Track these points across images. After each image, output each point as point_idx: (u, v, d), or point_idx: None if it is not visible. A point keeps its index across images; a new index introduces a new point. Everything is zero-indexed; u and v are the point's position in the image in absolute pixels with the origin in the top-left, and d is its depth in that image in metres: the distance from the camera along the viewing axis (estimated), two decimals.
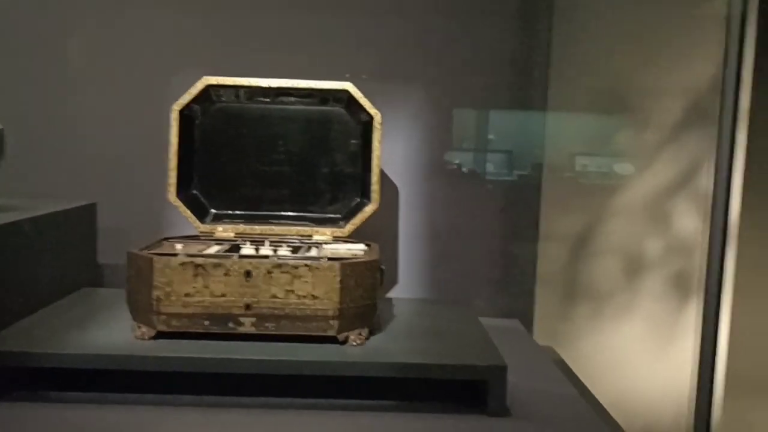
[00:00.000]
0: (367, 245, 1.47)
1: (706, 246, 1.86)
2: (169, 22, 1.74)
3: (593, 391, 1.52)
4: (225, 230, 1.54)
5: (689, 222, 1.86)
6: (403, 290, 1.80)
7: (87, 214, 1.69)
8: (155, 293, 1.22)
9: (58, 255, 1.55)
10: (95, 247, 1.72)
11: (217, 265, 1.23)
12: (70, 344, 1.21)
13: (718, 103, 1.82)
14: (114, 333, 1.28)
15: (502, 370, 1.18)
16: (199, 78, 1.54)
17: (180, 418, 1.15)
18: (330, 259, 1.29)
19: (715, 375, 1.84)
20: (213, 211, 1.60)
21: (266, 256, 1.31)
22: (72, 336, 1.26)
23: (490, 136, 1.86)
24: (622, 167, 1.86)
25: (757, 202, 1.80)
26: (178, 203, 1.53)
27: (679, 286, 1.87)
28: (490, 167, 1.85)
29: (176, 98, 1.53)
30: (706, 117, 1.84)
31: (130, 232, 1.66)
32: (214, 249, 1.40)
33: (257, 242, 1.46)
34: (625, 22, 1.82)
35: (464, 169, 1.83)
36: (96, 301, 1.52)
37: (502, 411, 1.18)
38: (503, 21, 1.78)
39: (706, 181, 1.85)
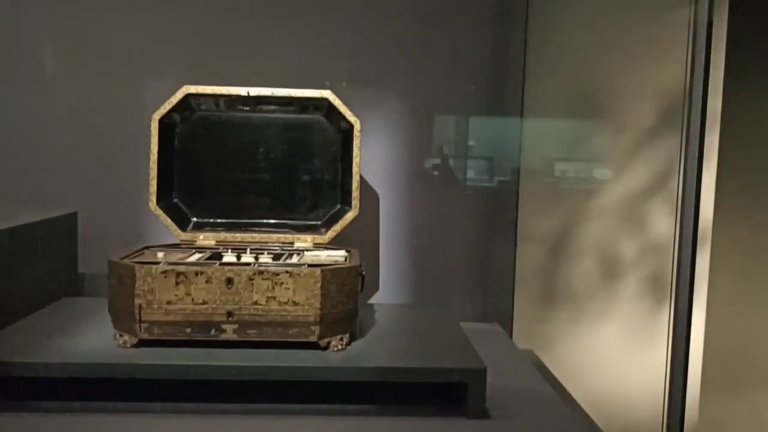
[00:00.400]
0: (347, 251, 1.49)
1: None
2: (149, 31, 1.75)
3: (572, 393, 1.54)
4: (206, 238, 1.55)
5: (664, 224, 1.89)
6: (384, 296, 1.81)
7: (68, 223, 1.69)
8: (137, 301, 1.23)
9: (38, 265, 1.55)
10: (76, 257, 1.72)
11: (198, 273, 1.24)
12: (53, 353, 1.22)
13: (686, 107, 1.87)
14: (96, 341, 1.29)
15: (482, 372, 1.20)
16: (179, 87, 1.54)
17: (163, 425, 1.15)
18: (310, 265, 1.30)
19: (688, 374, 1.88)
20: (194, 219, 1.61)
21: (247, 264, 1.32)
22: (54, 345, 1.26)
23: (470, 143, 1.88)
24: (598, 171, 1.90)
25: (729, 203, 1.84)
26: (159, 212, 1.54)
27: (655, 287, 1.90)
28: (470, 173, 1.87)
29: (156, 107, 1.53)
30: (679, 120, 1.88)
31: (110, 241, 1.67)
32: (195, 257, 1.41)
33: (238, 250, 1.47)
34: (598, 29, 1.85)
35: (444, 176, 1.85)
36: (77, 311, 1.52)
37: (482, 413, 1.20)
38: (479, 29, 1.80)
39: (680, 183, 1.89)
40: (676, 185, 1.89)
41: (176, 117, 1.58)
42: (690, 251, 1.86)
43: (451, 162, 1.87)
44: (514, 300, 1.86)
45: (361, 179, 1.64)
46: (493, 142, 1.88)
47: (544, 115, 1.87)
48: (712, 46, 1.84)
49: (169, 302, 1.24)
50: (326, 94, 1.56)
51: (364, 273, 1.36)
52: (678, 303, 1.89)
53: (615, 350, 1.91)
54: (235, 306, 1.24)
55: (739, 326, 1.89)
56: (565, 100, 1.87)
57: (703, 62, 1.85)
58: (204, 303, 1.24)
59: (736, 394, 1.90)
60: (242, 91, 1.55)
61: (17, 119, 1.74)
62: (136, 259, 1.33)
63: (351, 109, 1.56)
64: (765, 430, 1.93)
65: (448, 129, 1.87)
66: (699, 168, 1.85)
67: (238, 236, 1.56)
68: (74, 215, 1.71)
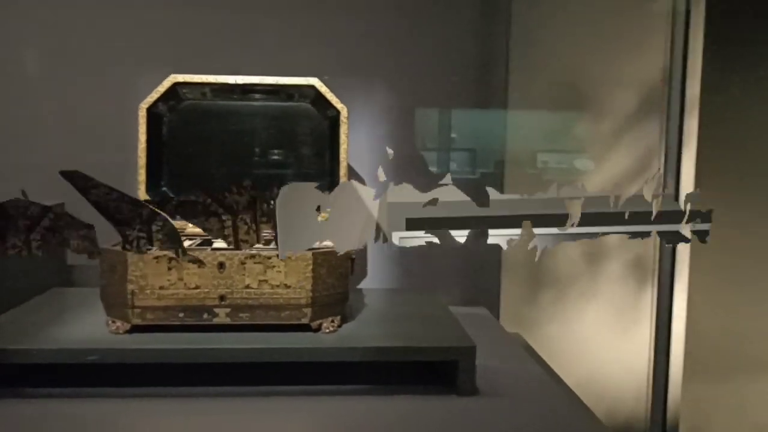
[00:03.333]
0: None
1: None
2: (136, 20, 1.74)
3: (560, 374, 1.57)
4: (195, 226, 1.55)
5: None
6: (373, 281, 1.83)
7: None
8: (130, 287, 1.24)
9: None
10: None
11: (190, 258, 1.25)
12: (46, 340, 1.22)
13: (666, 94, 1.90)
14: (88, 328, 1.29)
15: (472, 350, 1.22)
16: (166, 76, 1.55)
17: (157, 409, 1.16)
18: None
19: (671, 356, 1.91)
20: None
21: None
22: (46, 332, 1.26)
23: (453, 135, 1.90)
24: (582, 159, 1.92)
25: (708, 186, 1.87)
26: (148, 200, 1.54)
27: (638, 271, 1.94)
28: (453, 165, 1.89)
29: (144, 96, 1.54)
30: (659, 107, 1.91)
31: (99, 231, 1.65)
32: (186, 244, 1.42)
33: None
34: (581, 20, 1.88)
35: (429, 167, 1.87)
36: (67, 300, 1.52)
37: (473, 390, 1.22)
38: (464, 21, 1.82)
39: (661, 168, 1.93)
40: (657, 170, 1.92)
41: (164, 106, 1.58)
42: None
43: (437, 155, 1.88)
44: (501, 284, 1.88)
45: (349, 167, 1.66)
46: (479, 136, 1.90)
47: (528, 107, 1.89)
48: (690, 34, 1.88)
49: (161, 287, 1.25)
50: (313, 81, 1.57)
51: (354, 256, 1.38)
52: (660, 285, 1.93)
53: (600, 332, 1.94)
54: (228, 290, 1.26)
55: (719, 308, 1.93)
56: (549, 92, 1.89)
57: (682, 50, 1.89)
58: (196, 287, 1.25)
59: (718, 374, 1.94)
60: (230, 79, 1.56)
61: (3, 109, 1.73)
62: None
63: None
64: (746, 408, 1.97)
65: (433, 122, 1.89)
66: (679, 153, 1.89)
67: None
68: (61, 206, 1.70)
